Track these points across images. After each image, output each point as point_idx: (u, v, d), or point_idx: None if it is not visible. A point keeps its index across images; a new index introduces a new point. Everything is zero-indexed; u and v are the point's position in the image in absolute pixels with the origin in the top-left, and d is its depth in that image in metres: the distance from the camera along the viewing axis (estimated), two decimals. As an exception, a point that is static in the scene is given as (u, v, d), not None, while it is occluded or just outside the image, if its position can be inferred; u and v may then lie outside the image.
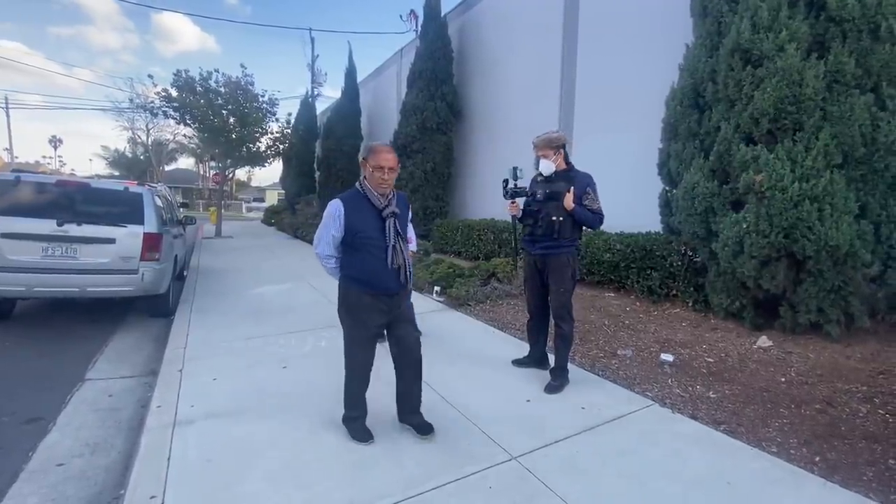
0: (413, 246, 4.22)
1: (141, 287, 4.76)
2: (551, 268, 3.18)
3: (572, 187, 3.13)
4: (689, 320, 4.69)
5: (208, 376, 3.43)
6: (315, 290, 6.57)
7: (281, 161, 19.64)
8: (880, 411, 2.85)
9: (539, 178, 3.34)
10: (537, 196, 3.22)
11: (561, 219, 3.11)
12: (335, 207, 2.44)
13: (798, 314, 3.90)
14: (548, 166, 3.22)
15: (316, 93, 24.60)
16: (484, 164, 10.17)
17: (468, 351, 4.05)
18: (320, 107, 22.72)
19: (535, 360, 3.59)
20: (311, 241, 12.54)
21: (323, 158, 16.39)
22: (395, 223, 2.47)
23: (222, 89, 13.66)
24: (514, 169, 3.36)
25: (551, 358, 3.52)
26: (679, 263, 4.91)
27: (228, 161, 15.67)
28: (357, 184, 2.51)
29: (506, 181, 3.37)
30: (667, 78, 5.31)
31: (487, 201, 9.87)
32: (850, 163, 3.51)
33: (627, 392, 3.21)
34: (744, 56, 3.81)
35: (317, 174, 18.41)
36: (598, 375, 3.51)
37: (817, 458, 2.43)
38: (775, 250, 3.73)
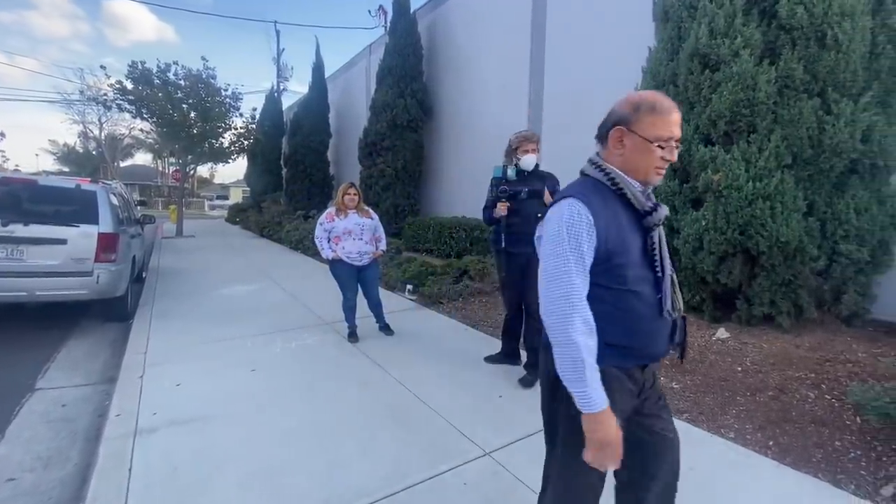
0: (383, 245, 4.34)
1: (96, 290, 4.52)
2: (533, 266, 3.23)
3: (545, 185, 3.22)
4: (653, 314, 4.86)
5: (171, 382, 3.30)
6: (284, 290, 6.42)
7: (245, 158, 19.06)
8: (827, 396, 3.05)
9: (512, 177, 3.38)
10: (521, 194, 3.26)
11: (541, 216, 3.17)
12: (574, 211, 1.22)
13: (752, 307, 4.12)
14: (532, 161, 3.27)
15: (282, 88, 24.13)
16: (454, 162, 10.20)
17: (442, 349, 4.06)
18: (286, 102, 22.23)
19: (506, 355, 3.64)
20: (279, 240, 12.24)
21: (290, 155, 16.01)
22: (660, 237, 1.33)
23: (182, 82, 13.10)
24: (505, 167, 3.35)
25: (522, 354, 3.60)
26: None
27: (189, 157, 15.07)
28: (594, 166, 1.32)
29: (496, 180, 3.37)
30: (631, 80, 5.48)
31: (457, 199, 9.92)
32: (798, 163, 3.73)
33: (596, 385, 3.30)
34: (702, 60, 3.98)
35: (283, 171, 17.99)
36: (568, 370, 3.59)
37: (771, 443, 2.58)
38: (731, 246, 3.93)
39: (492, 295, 5.67)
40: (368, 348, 4.03)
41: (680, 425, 2.74)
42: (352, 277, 4.16)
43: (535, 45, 7.97)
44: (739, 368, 3.51)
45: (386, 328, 4.42)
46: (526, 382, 3.22)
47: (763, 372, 3.44)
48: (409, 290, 6.08)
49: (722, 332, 4.18)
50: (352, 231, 4.06)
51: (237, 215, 19.65)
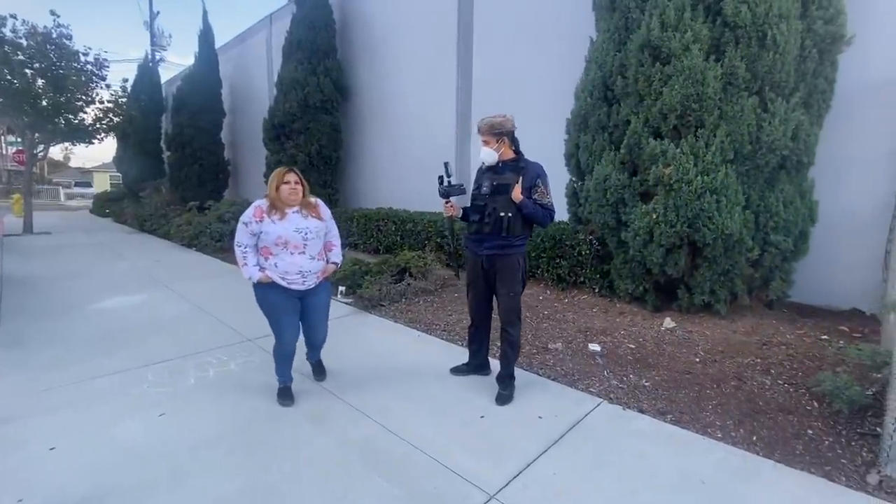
0: (336, 255, 3.07)
1: None
2: (500, 270, 2.89)
3: (521, 178, 2.85)
4: (598, 306, 4.90)
5: (41, 446, 2.41)
6: (184, 300, 5.36)
7: (115, 138, 16.09)
8: (780, 382, 3.22)
9: (484, 169, 3.00)
10: (483, 189, 2.88)
11: (510, 215, 2.81)
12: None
13: (693, 295, 4.29)
14: (489, 155, 2.90)
15: (158, 57, 20.90)
16: (377, 149, 9.53)
17: (399, 362, 3.59)
18: (166, 75, 19.26)
19: (474, 367, 3.30)
20: (166, 236, 10.46)
21: (174, 136, 13.82)
22: None
23: (24, 41, 10.46)
24: (446, 164, 2.96)
25: (492, 363, 3.29)
26: (587, 252, 5.08)
27: (37, 135, 12.20)
28: None
29: (440, 178, 2.95)
30: (566, 71, 5.42)
31: (383, 189, 9.31)
32: (738, 159, 3.89)
33: (572, 391, 3.12)
34: (653, 53, 3.96)
35: (165, 154, 15.55)
36: (538, 374, 3.38)
37: (754, 438, 2.59)
38: (679, 239, 4.01)
39: (437, 294, 5.29)
40: (304, 364, 3.41)
41: (670, 430, 2.67)
42: (289, 310, 2.81)
43: (463, 31, 7.62)
44: (697, 359, 3.59)
45: (318, 367, 3.27)
46: (503, 399, 2.91)
47: (718, 361, 3.55)
48: (341, 292, 5.45)
49: (668, 322, 4.30)
50: (289, 241, 2.70)
51: (107, 206, 16.66)
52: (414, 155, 8.52)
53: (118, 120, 13.06)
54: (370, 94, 9.57)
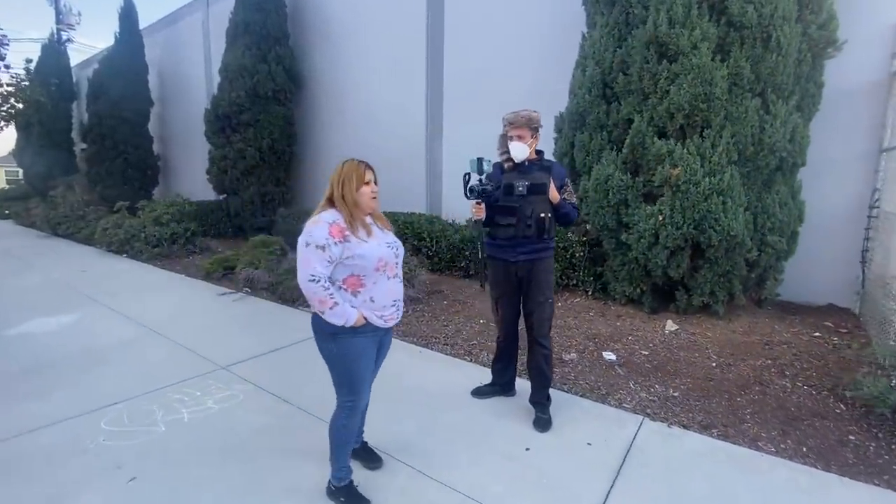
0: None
1: None
2: (537, 275, 2.61)
3: (551, 178, 2.61)
4: (593, 309, 4.77)
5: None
6: (125, 318, 4.55)
7: (14, 127, 13.90)
8: (798, 384, 3.22)
9: (506, 167, 2.69)
10: (518, 189, 2.57)
11: (550, 215, 2.59)
12: None
13: (692, 297, 4.27)
14: (522, 150, 2.60)
15: (65, 38, 18.38)
16: (335, 144, 8.89)
17: (406, 385, 3.18)
18: (77, 58, 16.99)
19: (500, 387, 2.99)
20: (87, 241, 9.07)
21: (91, 127, 12.13)
22: None
23: None
24: (480, 161, 2.57)
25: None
26: (581, 254, 4.95)
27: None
28: None
29: (468, 175, 2.59)
30: (550, 66, 5.25)
31: (343, 187, 8.68)
32: (740, 160, 3.89)
33: (606, 408, 2.91)
34: (659, 50, 3.85)
35: (78, 147, 13.69)
36: (564, 390, 3.14)
37: (804, 449, 2.51)
38: (684, 241, 3.96)
39: (426, 303, 4.91)
40: (302, 398, 2.92)
41: (724, 448, 2.48)
42: (373, 361, 2.06)
43: (433, 22, 7.23)
44: (714, 364, 3.53)
45: (364, 449, 2.35)
46: (543, 425, 2.62)
47: (732, 364, 3.52)
48: (317, 303, 4.89)
49: (670, 325, 4.24)
50: (388, 263, 1.98)
51: (7, 206, 14.37)
52: (378, 150, 8.01)
53: (21, 107, 11.23)
54: (328, 83, 8.91)
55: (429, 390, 3.10)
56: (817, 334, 4.04)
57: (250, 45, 8.50)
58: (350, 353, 1.93)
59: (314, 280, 1.81)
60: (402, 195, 7.37)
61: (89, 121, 12.24)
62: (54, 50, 15.00)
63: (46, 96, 12.70)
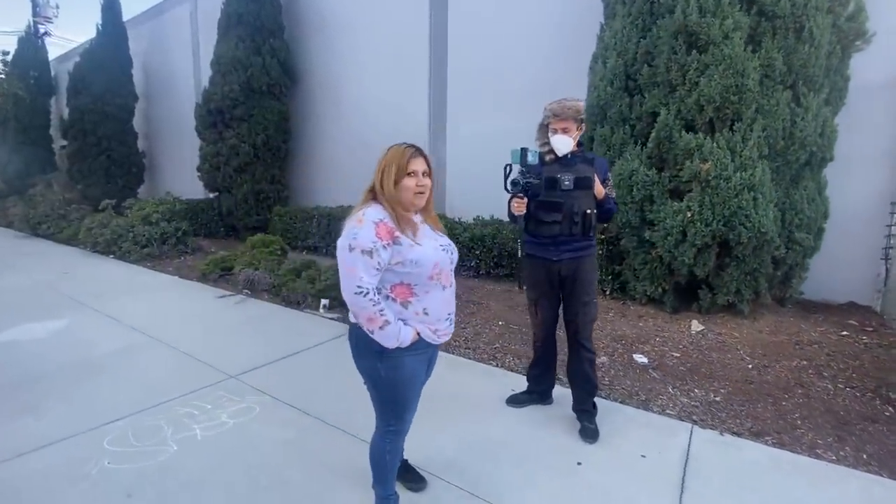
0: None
1: None
2: (581, 274, 2.44)
3: (595, 172, 2.46)
4: (613, 309, 4.62)
5: None
6: (118, 323, 4.25)
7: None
8: (840, 386, 3.10)
9: (549, 160, 2.51)
10: (564, 183, 2.38)
11: (595, 212, 2.42)
12: None
13: (717, 296, 4.15)
14: (567, 144, 2.42)
15: (43, 31, 17.65)
16: (332, 141, 8.61)
17: (435, 394, 2.95)
18: (55, 52, 16.32)
19: (538, 395, 2.81)
20: (71, 241, 8.64)
21: (72, 123, 11.60)
22: None
23: None
24: (524, 151, 2.34)
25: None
26: (599, 252, 4.79)
27: None
28: None
29: (508, 167, 2.39)
30: (551, 56, 5.08)
31: (341, 184, 8.40)
32: (771, 155, 3.78)
33: (651, 415, 2.75)
34: (688, 39, 3.71)
35: (58, 144, 13.12)
36: (602, 396, 2.96)
37: (864, 456, 2.38)
38: (713, 238, 3.83)
39: (440, 304, 4.70)
40: (325, 409, 2.70)
41: (784, 457, 2.30)
42: (422, 380, 1.80)
43: (435, 11, 7.02)
44: (750, 366, 3.40)
45: (406, 468, 2.11)
46: (591, 435, 2.45)
47: (768, 366, 3.39)
48: (324, 306, 4.67)
49: (696, 325, 4.11)
50: (443, 269, 1.68)
51: (-20, 206, 13.67)
52: (378, 147, 7.77)
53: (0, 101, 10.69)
54: (324, 77, 8.62)
55: (460, 399, 2.90)
56: (845, 333, 3.95)
57: (244, 36, 8.18)
58: (399, 375, 1.66)
59: (361, 293, 1.52)
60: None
61: (70, 116, 11.71)
62: (31, 43, 14.34)
63: (25, 90, 12.12)
